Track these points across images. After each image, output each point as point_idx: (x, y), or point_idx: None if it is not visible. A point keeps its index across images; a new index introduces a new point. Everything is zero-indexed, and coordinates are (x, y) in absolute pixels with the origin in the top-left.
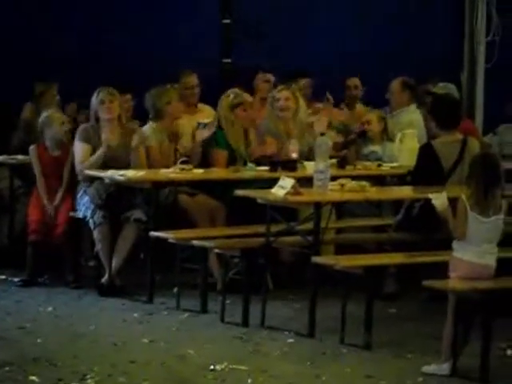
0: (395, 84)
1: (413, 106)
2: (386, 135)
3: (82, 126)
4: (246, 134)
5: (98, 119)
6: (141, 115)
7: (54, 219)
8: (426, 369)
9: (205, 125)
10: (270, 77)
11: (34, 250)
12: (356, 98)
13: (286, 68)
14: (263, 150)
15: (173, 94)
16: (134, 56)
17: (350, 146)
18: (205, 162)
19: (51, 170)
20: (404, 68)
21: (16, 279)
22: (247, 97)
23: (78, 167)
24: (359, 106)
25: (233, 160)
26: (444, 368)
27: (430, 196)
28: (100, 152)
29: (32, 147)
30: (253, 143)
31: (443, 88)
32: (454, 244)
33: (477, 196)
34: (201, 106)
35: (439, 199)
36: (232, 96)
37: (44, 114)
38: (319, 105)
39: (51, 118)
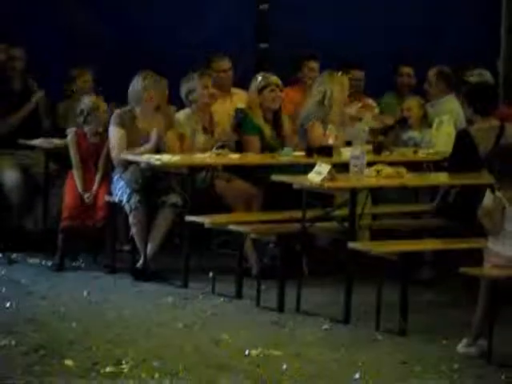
0: (431, 74)
1: (451, 96)
2: (426, 122)
3: (117, 111)
4: (275, 117)
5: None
6: (175, 101)
7: (92, 205)
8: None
9: (242, 110)
10: (317, 65)
11: (65, 236)
12: (408, 87)
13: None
14: (324, 140)
15: (201, 80)
16: (170, 41)
17: (388, 132)
18: (240, 148)
19: (89, 156)
20: (440, 56)
21: (50, 263)
22: (275, 79)
23: (112, 153)
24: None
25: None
26: (473, 351)
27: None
28: (148, 146)
29: (71, 133)
30: (286, 127)
31: (478, 75)
32: (490, 236)
33: None
34: (234, 90)
35: (490, 198)
36: (260, 78)
37: (88, 99)
38: (369, 100)
39: (97, 105)
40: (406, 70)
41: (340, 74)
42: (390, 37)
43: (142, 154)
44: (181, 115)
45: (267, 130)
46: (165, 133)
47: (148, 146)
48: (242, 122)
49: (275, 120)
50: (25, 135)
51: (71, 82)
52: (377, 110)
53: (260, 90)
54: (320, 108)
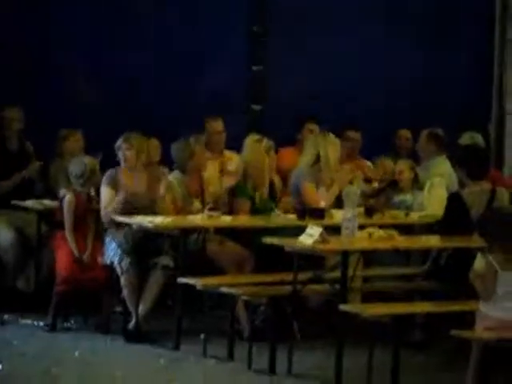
0: (422, 135)
1: (441, 157)
2: (417, 184)
3: (108, 172)
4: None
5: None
6: (169, 161)
7: (91, 265)
8: None
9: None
10: (315, 127)
11: (60, 299)
12: (406, 150)
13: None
14: (316, 202)
15: (195, 147)
16: (162, 102)
17: (379, 195)
18: (231, 210)
19: (82, 218)
20: (432, 118)
21: (42, 324)
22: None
23: (102, 212)
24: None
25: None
26: None
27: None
28: (119, 198)
29: (69, 195)
30: (277, 188)
31: (469, 138)
32: (482, 300)
33: (505, 252)
34: (226, 152)
35: (481, 261)
36: (265, 140)
37: (86, 161)
38: (363, 162)
39: (95, 167)
40: (404, 133)
41: (332, 135)
42: (387, 99)
43: (113, 209)
44: (172, 178)
45: (264, 192)
46: (150, 191)
47: (115, 201)
48: (236, 186)
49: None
50: (18, 196)
51: (61, 142)
52: (367, 170)
53: (267, 152)
54: (313, 169)
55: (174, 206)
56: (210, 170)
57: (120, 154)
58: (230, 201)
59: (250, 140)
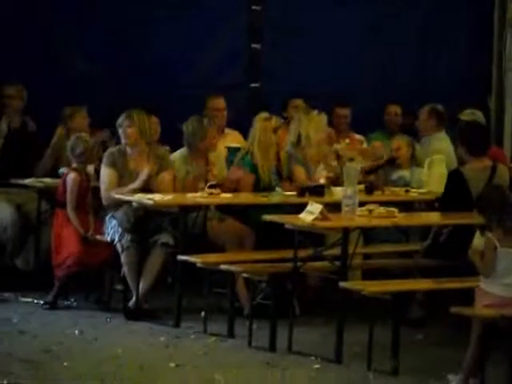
0: (423, 111)
1: (441, 133)
2: (415, 161)
3: (108, 151)
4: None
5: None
6: (167, 139)
7: (95, 243)
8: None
9: (235, 149)
10: (300, 102)
11: (68, 279)
12: (396, 125)
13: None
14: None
15: (208, 130)
16: (161, 80)
17: (378, 172)
18: (235, 188)
19: (83, 196)
20: (431, 94)
21: (42, 302)
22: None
23: (103, 193)
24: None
25: (258, 184)
26: None
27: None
28: (135, 185)
29: (73, 174)
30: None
31: (470, 114)
32: (481, 276)
33: (504, 227)
34: (227, 130)
35: (480, 238)
36: (274, 118)
37: (84, 140)
38: (356, 136)
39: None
40: (394, 108)
41: (316, 112)
42: (378, 74)
43: (129, 192)
44: (176, 155)
45: (270, 170)
46: (156, 173)
47: (135, 185)
48: (237, 160)
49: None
50: (18, 175)
51: (67, 119)
52: (364, 145)
53: (275, 130)
54: (297, 148)
55: (178, 186)
56: (216, 150)
57: (121, 132)
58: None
59: (259, 118)
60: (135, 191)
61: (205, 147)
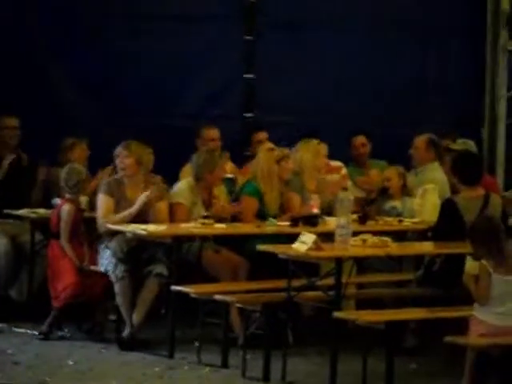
0: (420, 141)
1: (435, 164)
2: (406, 191)
3: (104, 180)
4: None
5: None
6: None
7: (89, 275)
8: None
9: (229, 179)
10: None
11: (61, 313)
12: (364, 156)
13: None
14: (307, 209)
15: (218, 163)
16: (157, 111)
17: (370, 204)
18: (234, 217)
19: (78, 226)
20: (423, 123)
21: (36, 332)
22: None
23: (100, 221)
24: (370, 163)
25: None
26: None
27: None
28: (132, 210)
29: (68, 205)
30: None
31: (462, 144)
32: (476, 305)
33: (496, 257)
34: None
35: (472, 263)
36: (277, 149)
37: (77, 171)
38: (336, 163)
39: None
40: (359, 139)
41: (316, 142)
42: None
43: (125, 217)
44: (184, 185)
45: (274, 201)
46: (152, 204)
47: (133, 209)
48: (242, 187)
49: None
50: (12, 206)
51: (67, 151)
52: (344, 171)
53: (278, 161)
54: (295, 176)
55: (177, 212)
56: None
57: (118, 162)
58: (241, 198)
59: (263, 149)
60: (129, 217)
61: (212, 180)
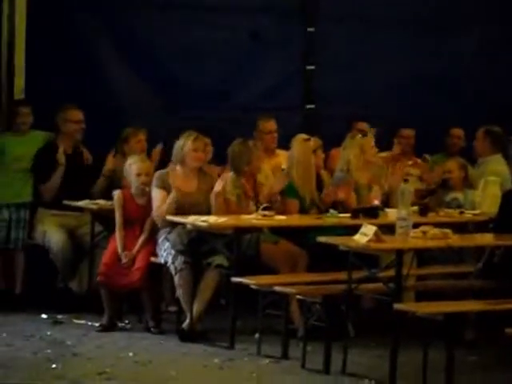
0: (479, 132)
1: (497, 156)
2: (468, 183)
3: (157, 173)
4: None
5: (182, 161)
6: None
7: (129, 266)
8: None
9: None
10: (365, 126)
11: (105, 291)
12: (458, 149)
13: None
14: (336, 195)
15: (254, 153)
16: (217, 102)
17: (430, 196)
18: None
19: (135, 217)
20: (487, 116)
21: (96, 324)
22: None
23: (155, 214)
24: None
25: (302, 208)
26: None
27: None
28: (171, 197)
29: (117, 194)
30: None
31: None
32: None
33: None
34: (279, 151)
35: None
36: (313, 139)
37: (129, 162)
38: (419, 160)
39: (139, 167)
40: (457, 132)
41: (360, 136)
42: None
43: (165, 209)
44: (226, 180)
45: (312, 191)
46: (207, 192)
47: (167, 201)
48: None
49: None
50: (71, 197)
51: (124, 142)
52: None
53: (314, 151)
54: (342, 172)
55: (231, 210)
56: (264, 171)
57: (186, 153)
58: (282, 200)
59: (298, 139)
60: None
61: (251, 170)
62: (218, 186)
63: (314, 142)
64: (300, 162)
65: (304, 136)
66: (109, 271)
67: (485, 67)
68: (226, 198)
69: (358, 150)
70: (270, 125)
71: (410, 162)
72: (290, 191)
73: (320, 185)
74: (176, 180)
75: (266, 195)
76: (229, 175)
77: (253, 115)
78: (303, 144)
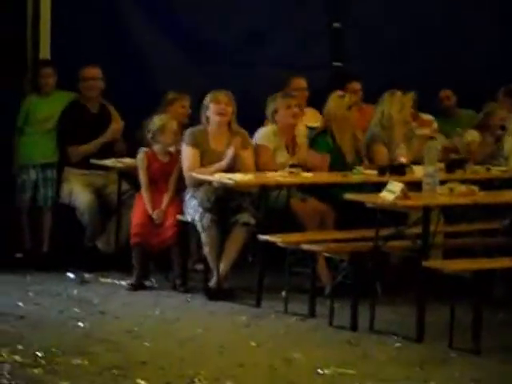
0: (499, 92)
1: None
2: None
3: (189, 130)
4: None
5: (207, 119)
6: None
7: (161, 224)
8: None
9: (314, 128)
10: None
11: (138, 252)
12: (451, 108)
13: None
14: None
15: (284, 101)
16: (244, 59)
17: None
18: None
19: (159, 176)
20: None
21: (123, 283)
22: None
23: (186, 173)
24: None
25: (337, 163)
26: None
27: None
28: (222, 165)
29: (141, 154)
30: (361, 145)
31: None
32: None
33: None
34: (307, 109)
35: None
36: (347, 96)
37: (157, 120)
38: (427, 117)
39: (164, 126)
40: (446, 93)
41: (400, 93)
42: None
43: (215, 171)
44: (268, 130)
45: (350, 148)
46: (239, 152)
47: (221, 165)
48: (313, 139)
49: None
50: (98, 156)
51: (167, 105)
52: (435, 125)
53: (349, 108)
54: (381, 128)
55: (265, 158)
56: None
57: (216, 108)
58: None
59: (333, 96)
60: (221, 170)
61: (286, 120)
62: (235, 144)
63: (349, 98)
64: (337, 119)
65: (339, 93)
66: (142, 231)
67: None
68: (260, 146)
69: (399, 106)
70: (302, 82)
71: (415, 124)
72: (321, 145)
73: (356, 144)
74: (213, 142)
75: (301, 157)
76: (268, 127)
77: (281, 73)
78: (338, 100)
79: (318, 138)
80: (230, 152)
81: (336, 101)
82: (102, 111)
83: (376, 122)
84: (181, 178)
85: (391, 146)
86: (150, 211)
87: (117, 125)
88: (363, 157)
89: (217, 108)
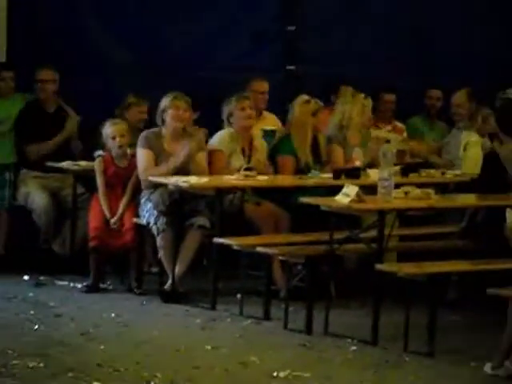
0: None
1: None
2: None
3: (143, 133)
4: (314, 141)
5: (163, 122)
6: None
7: (119, 227)
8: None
9: (270, 131)
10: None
11: (96, 255)
12: (435, 110)
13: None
14: (350, 163)
15: (239, 103)
16: (197, 64)
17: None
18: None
19: (116, 181)
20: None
21: (79, 285)
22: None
23: (141, 175)
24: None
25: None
26: (500, 373)
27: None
28: (177, 163)
29: (98, 158)
30: (323, 148)
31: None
32: None
33: None
34: (265, 113)
35: None
36: (313, 101)
37: (108, 124)
38: (399, 124)
39: (114, 131)
40: (435, 93)
41: (363, 96)
42: (421, 58)
43: (167, 169)
44: (225, 133)
45: (307, 153)
46: (194, 155)
47: (176, 161)
48: (276, 143)
49: (314, 142)
50: (54, 158)
51: (125, 108)
52: (405, 134)
53: (314, 113)
54: (339, 129)
55: (216, 160)
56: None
57: (173, 114)
58: (280, 158)
59: (299, 101)
60: (174, 169)
61: (242, 122)
62: (191, 147)
63: (315, 104)
64: (298, 123)
65: (305, 98)
66: (101, 234)
67: None
68: (213, 150)
69: (360, 109)
70: (263, 86)
71: (389, 128)
72: (286, 148)
73: (317, 148)
74: (167, 146)
75: (256, 162)
76: (225, 130)
77: (233, 76)
78: (303, 106)
79: (284, 141)
80: (183, 151)
81: (301, 106)
82: (59, 112)
83: (336, 121)
84: (138, 182)
85: (346, 148)
86: (108, 215)
87: (72, 119)
88: (324, 161)
89: (175, 114)
